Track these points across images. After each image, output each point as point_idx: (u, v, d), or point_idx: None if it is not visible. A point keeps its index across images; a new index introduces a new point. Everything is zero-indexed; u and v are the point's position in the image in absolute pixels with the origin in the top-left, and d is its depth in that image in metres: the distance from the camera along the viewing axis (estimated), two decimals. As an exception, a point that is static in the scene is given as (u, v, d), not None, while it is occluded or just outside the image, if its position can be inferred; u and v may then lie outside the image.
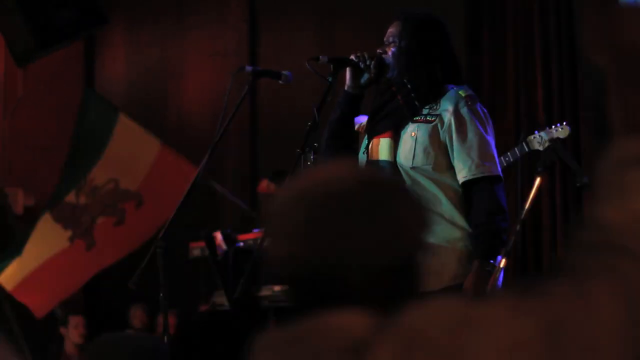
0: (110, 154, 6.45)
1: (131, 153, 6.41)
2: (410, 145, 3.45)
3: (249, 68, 3.78)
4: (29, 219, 7.32)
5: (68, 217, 6.56)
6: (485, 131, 3.45)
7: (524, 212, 3.07)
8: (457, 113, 3.43)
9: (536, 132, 4.16)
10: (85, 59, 8.60)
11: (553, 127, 4.19)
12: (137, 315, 7.49)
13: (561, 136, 4.10)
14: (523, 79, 5.47)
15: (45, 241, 6.53)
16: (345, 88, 3.61)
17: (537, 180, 3.06)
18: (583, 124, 5.26)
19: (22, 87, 8.35)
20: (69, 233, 6.53)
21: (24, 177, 8.44)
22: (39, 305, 6.63)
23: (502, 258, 3.09)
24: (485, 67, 5.61)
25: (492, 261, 3.31)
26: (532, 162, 5.13)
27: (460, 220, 3.41)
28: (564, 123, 4.23)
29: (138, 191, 6.41)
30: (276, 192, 1.38)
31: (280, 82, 3.78)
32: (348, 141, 3.63)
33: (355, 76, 3.58)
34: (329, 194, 1.28)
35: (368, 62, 3.54)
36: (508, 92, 5.52)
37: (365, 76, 3.57)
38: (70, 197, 6.58)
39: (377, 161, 3.51)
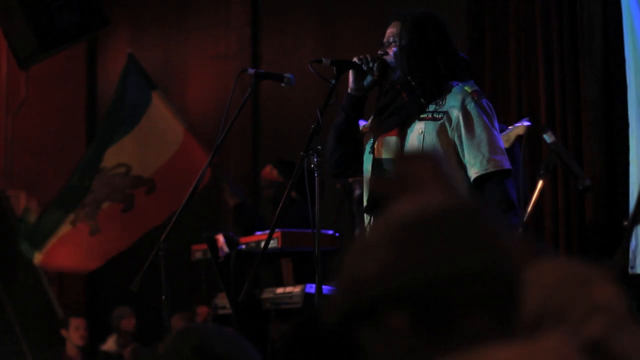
0: (134, 137, 6.34)
1: (153, 140, 6.31)
2: (418, 142, 3.45)
3: (251, 70, 3.79)
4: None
5: (70, 200, 6.41)
6: (493, 125, 3.46)
7: (526, 215, 3.07)
8: (464, 109, 3.43)
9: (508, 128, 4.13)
10: (87, 61, 8.61)
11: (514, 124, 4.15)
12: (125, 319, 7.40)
13: (520, 132, 4.06)
14: (525, 80, 5.47)
15: (47, 227, 6.36)
16: (349, 91, 3.61)
17: (539, 184, 3.05)
18: (585, 125, 5.26)
19: (24, 89, 8.36)
20: (71, 217, 6.35)
21: (26, 179, 8.45)
22: None
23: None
24: (486, 69, 5.61)
25: None
26: (534, 166, 5.13)
27: None
28: (522, 120, 4.18)
29: (152, 177, 6.31)
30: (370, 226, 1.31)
31: (282, 84, 3.79)
32: (353, 144, 3.63)
33: (359, 78, 3.58)
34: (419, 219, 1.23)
35: (371, 64, 3.54)
36: (510, 94, 5.52)
37: (369, 78, 3.57)
38: (79, 179, 6.45)
39: (383, 159, 3.51)
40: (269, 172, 5.78)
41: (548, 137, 3.11)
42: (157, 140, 6.38)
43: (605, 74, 5.25)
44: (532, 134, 3.36)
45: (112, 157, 6.37)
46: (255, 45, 7.53)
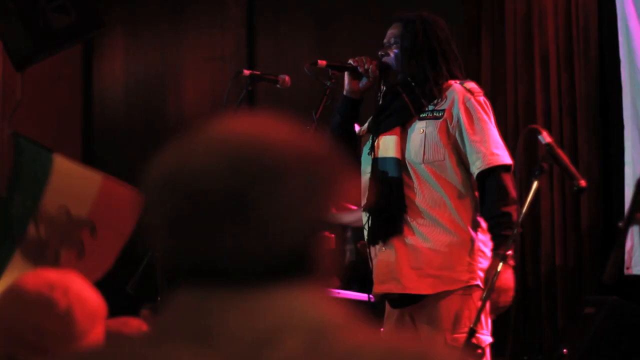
0: (53, 187, 6.29)
1: (73, 185, 6.27)
2: (420, 141, 3.46)
3: (246, 72, 3.79)
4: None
5: (35, 253, 6.42)
6: (491, 122, 3.50)
7: (522, 216, 3.07)
8: (464, 107, 3.46)
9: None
10: (83, 63, 8.61)
11: None
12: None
13: None
14: (521, 81, 5.48)
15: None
16: (344, 93, 3.62)
17: (535, 184, 3.06)
18: (581, 126, 5.27)
19: (20, 91, 8.36)
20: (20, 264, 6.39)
21: (22, 181, 8.43)
22: None
23: (500, 262, 3.10)
24: (483, 69, 5.62)
25: (509, 252, 3.31)
26: (530, 166, 5.13)
27: (462, 225, 3.42)
28: None
29: (89, 218, 6.27)
30: (149, 170, 1.22)
31: (277, 86, 3.79)
32: (350, 146, 3.64)
33: (354, 81, 3.59)
34: (197, 185, 1.13)
35: (366, 67, 3.55)
36: (506, 94, 5.52)
37: (364, 80, 3.58)
38: (32, 230, 6.41)
39: (383, 158, 3.52)
40: None
41: (543, 138, 3.12)
42: (76, 187, 6.32)
43: (601, 75, 5.26)
44: (528, 135, 3.35)
45: (52, 203, 6.31)
46: (250, 47, 7.53)
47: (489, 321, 3.42)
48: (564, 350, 4.59)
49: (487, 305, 3.31)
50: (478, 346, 3.33)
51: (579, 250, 5.22)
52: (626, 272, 4.93)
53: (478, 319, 3.12)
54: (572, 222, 5.23)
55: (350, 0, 6.90)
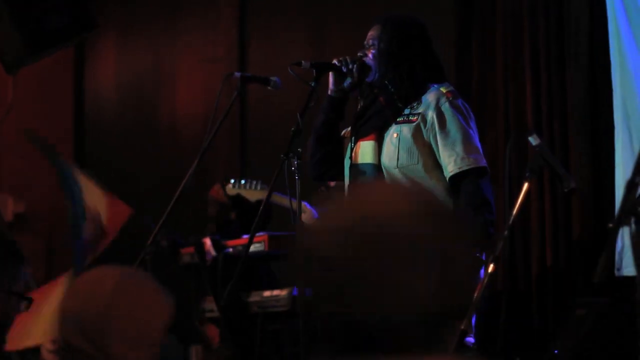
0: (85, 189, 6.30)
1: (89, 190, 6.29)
2: (394, 146, 3.46)
3: (237, 74, 3.80)
4: (19, 226, 7.30)
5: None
6: (468, 125, 3.48)
7: (512, 217, 3.08)
8: (438, 110, 3.45)
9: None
10: (75, 65, 8.59)
11: None
12: None
13: None
14: (511, 82, 5.48)
15: None
16: (329, 92, 3.62)
17: (525, 186, 3.06)
18: (571, 128, 5.27)
19: (12, 93, 8.34)
20: None
21: (14, 183, 8.42)
22: None
23: (490, 263, 3.10)
24: (474, 71, 5.63)
25: (478, 254, 3.32)
26: (520, 168, 5.14)
27: None
28: None
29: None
30: (317, 219, 1.16)
31: (269, 87, 3.80)
32: (334, 146, 3.64)
33: (338, 80, 3.60)
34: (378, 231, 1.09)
35: (350, 66, 3.55)
36: (497, 96, 5.53)
37: (348, 80, 3.59)
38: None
39: (361, 164, 3.52)
40: (216, 191, 5.76)
41: (533, 140, 3.13)
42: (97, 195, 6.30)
43: (591, 77, 5.27)
44: (518, 136, 3.36)
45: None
46: (242, 48, 7.53)
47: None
48: (555, 352, 4.60)
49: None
50: (469, 347, 3.34)
51: (569, 251, 5.22)
52: (617, 273, 4.93)
53: (469, 320, 3.13)
54: (563, 223, 5.24)
55: (343, 2, 6.91)
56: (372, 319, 1.08)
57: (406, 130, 3.46)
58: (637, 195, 2.27)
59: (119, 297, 1.90)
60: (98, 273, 1.99)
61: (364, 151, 3.52)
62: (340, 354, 1.12)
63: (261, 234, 4.87)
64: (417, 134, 3.46)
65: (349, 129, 3.66)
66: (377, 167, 3.48)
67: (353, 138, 3.58)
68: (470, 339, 3.40)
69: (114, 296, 1.90)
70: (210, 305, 5.18)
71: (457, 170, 3.42)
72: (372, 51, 3.57)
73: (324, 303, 1.11)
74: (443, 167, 3.44)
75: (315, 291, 1.13)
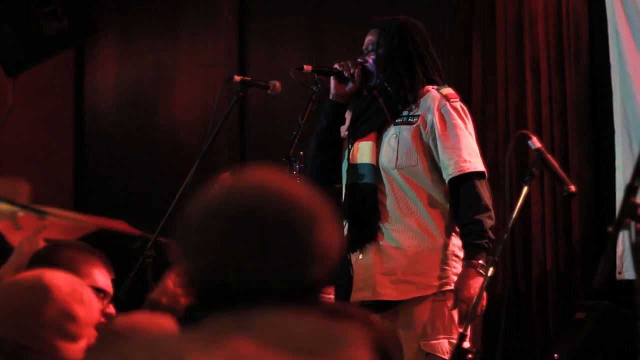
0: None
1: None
2: (393, 146, 3.47)
3: (237, 78, 3.80)
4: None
5: None
6: (467, 128, 3.48)
7: (512, 221, 3.08)
8: (438, 112, 3.46)
9: None
10: (75, 69, 8.59)
11: None
12: None
13: None
14: (512, 85, 5.48)
15: None
16: (330, 97, 3.63)
17: (525, 189, 3.06)
18: (571, 131, 5.27)
19: (12, 97, 8.34)
20: None
21: (14, 187, 8.41)
22: None
23: (490, 267, 3.09)
24: (474, 74, 5.63)
25: (481, 261, 3.32)
26: (520, 171, 5.14)
27: (435, 231, 3.43)
28: None
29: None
30: (190, 204, 1.34)
31: (268, 92, 3.80)
32: (335, 150, 3.64)
33: (340, 85, 3.60)
34: (244, 209, 1.28)
35: (352, 71, 3.56)
36: (497, 100, 5.53)
37: (350, 85, 3.59)
38: None
39: (358, 164, 3.52)
40: None
41: (533, 144, 3.13)
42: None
43: (591, 80, 5.27)
44: (518, 140, 3.36)
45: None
46: (242, 53, 7.53)
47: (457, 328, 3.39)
48: (555, 355, 4.59)
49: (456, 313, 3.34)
50: (469, 351, 3.33)
51: (570, 255, 5.22)
52: (617, 277, 4.93)
53: (468, 325, 3.12)
54: (563, 227, 5.23)
55: (342, 6, 6.91)
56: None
57: (405, 131, 3.47)
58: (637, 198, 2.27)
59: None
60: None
61: (362, 151, 3.53)
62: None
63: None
64: (416, 135, 3.46)
65: (346, 131, 3.66)
66: (375, 167, 3.49)
67: (351, 138, 3.59)
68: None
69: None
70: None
71: (457, 174, 3.42)
72: (372, 56, 3.58)
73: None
74: (443, 170, 3.45)
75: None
